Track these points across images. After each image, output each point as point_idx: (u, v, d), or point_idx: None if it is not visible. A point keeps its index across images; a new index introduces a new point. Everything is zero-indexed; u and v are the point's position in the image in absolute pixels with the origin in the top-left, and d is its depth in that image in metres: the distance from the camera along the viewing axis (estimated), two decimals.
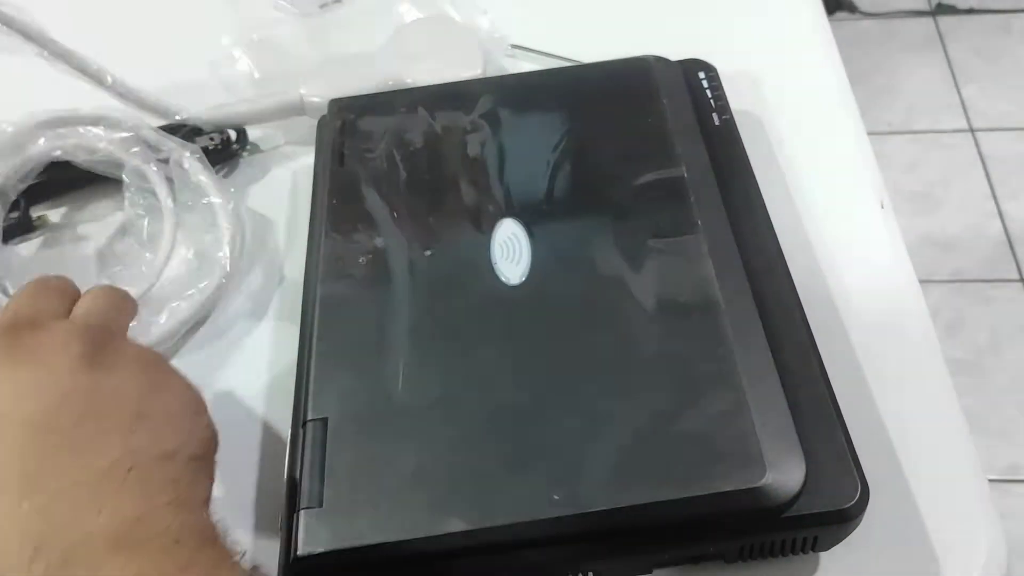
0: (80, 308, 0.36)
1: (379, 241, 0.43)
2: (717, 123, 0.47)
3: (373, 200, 0.45)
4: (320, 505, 0.34)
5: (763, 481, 0.33)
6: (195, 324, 0.46)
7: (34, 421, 0.30)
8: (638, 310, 0.38)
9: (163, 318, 0.45)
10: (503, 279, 0.40)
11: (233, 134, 0.53)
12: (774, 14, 0.58)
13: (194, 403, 0.34)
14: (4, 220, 0.49)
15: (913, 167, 1.50)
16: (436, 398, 0.37)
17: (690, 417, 0.35)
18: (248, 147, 0.54)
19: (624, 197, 0.43)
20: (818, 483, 0.33)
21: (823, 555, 0.36)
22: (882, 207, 0.47)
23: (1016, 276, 1.36)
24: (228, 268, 0.47)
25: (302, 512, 0.34)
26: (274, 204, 0.52)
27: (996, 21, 1.71)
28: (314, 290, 0.42)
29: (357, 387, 0.38)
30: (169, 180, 0.49)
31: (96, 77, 0.51)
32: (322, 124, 0.50)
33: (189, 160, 0.50)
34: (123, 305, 0.38)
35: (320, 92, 0.52)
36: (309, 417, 0.37)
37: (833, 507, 0.33)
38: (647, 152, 0.45)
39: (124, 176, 0.49)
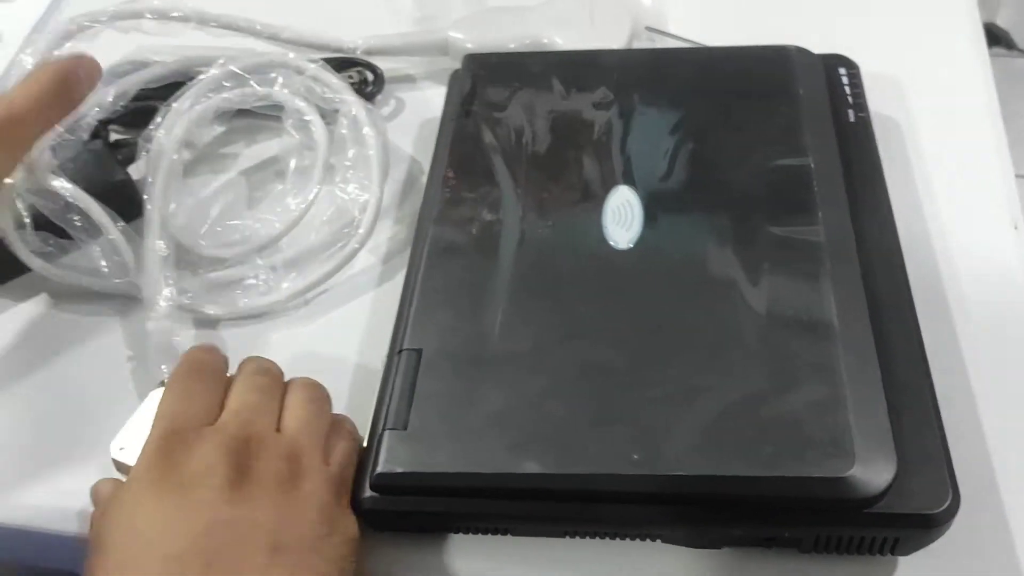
0: (232, 403, 0.35)
1: (494, 193, 0.43)
2: (852, 120, 0.46)
3: (493, 154, 0.45)
4: (404, 428, 0.35)
5: (850, 472, 0.32)
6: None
7: (176, 555, 0.30)
8: (745, 290, 0.38)
9: (294, 277, 0.46)
10: (611, 242, 0.40)
11: (371, 76, 0.55)
12: (930, 24, 0.56)
13: (329, 524, 0.33)
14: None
15: None
16: (530, 346, 0.37)
17: (784, 399, 0.34)
18: (383, 89, 0.55)
19: (746, 180, 0.43)
20: (908, 484, 0.32)
21: (902, 560, 0.34)
22: (1016, 228, 0.45)
23: None
24: (366, 232, 0.46)
25: (387, 432, 0.35)
26: (399, 146, 0.53)
27: None
28: (426, 230, 0.43)
29: (454, 325, 0.39)
30: (328, 127, 0.50)
31: (246, 29, 0.53)
32: (455, 77, 0.51)
33: (358, 109, 0.50)
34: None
35: (466, 36, 0.54)
36: (405, 346, 0.38)
37: (920, 510, 0.32)
38: (775, 139, 0.44)
39: (283, 116, 0.50)
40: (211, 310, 0.45)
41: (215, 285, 0.46)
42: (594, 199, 0.42)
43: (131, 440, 0.37)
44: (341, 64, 0.55)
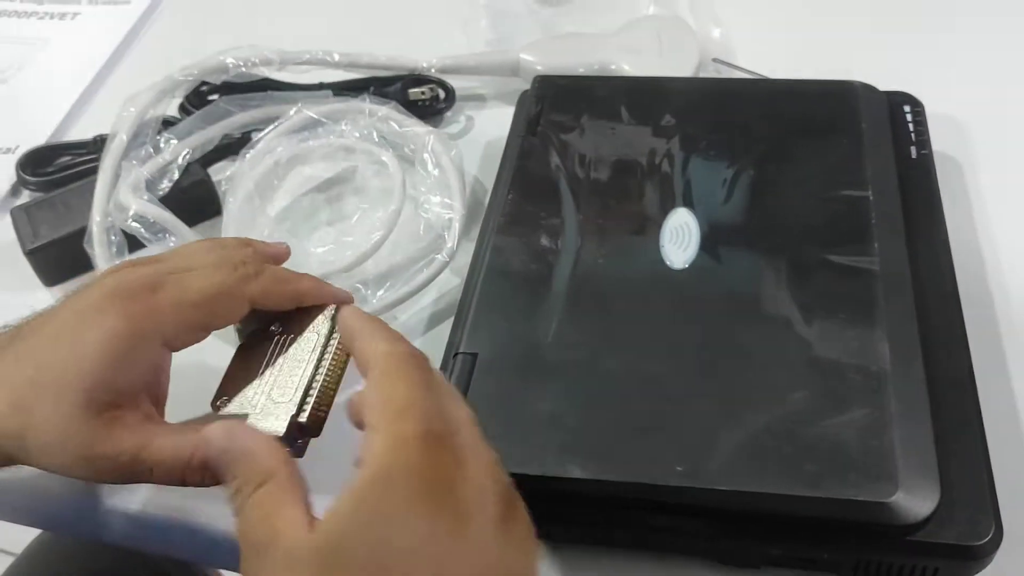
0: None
1: (555, 208, 0.45)
2: (914, 156, 0.47)
3: (556, 172, 0.47)
4: None
5: (892, 498, 0.32)
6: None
7: None
8: (797, 313, 0.38)
9: (383, 291, 0.47)
10: (667, 262, 0.41)
11: (442, 93, 0.57)
12: (997, 63, 0.56)
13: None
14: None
15: None
16: (581, 357, 0.38)
17: (831, 421, 0.35)
18: (453, 106, 0.57)
19: (805, 208, 0.43)
20: (951, 514, 0.33)
21: None
22: None
23: None
24: (453, 245, 0.48)
25: None
26: (467, 162, 0.54)
27: None
28: (488, 238, 0.44)
29: (510, 332, 0.40)
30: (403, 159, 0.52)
31: (325, 62, 0.56)
32: (523, 97, 0.53)
33: (433, 138, 0.52)
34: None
35: (536, 58, 0.56)
36: (461, 349, 0.39)
37: (962, 541, 0.32)
38: (836, 170, 0.45)
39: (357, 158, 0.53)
40: None
41: None
42: (653, 219, 0.43)
43: (234, 392, 0.35)
44: (415, 82, 0.57)
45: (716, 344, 0.38)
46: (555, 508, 0.35)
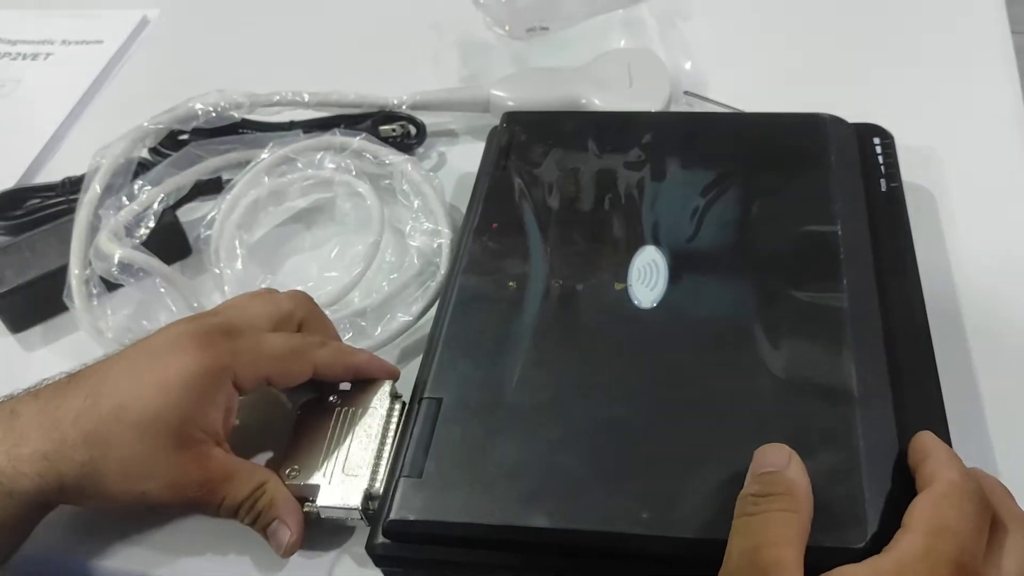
0: None
1: (523, 247, 0.44)
2: (884, 189, 0.46)
3: (524, 210, 0.46)
4: (420, 476, 0.36)
5: (862, 544, 0.32)
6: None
7: None
8: (765, 355, 0.38)
9: (384, 323, 0.47)
10: (635, 301, 0.41)
11: (413, 129, 0.57)
12: (969, 101, 0.56)
13: None
14: None
15: None
16: (547, 401, 0.38)
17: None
18: (424, 142, 0.57)
19: (773, 245, 0.43)
20: None
21: None
22: None
23: None
24: (443, 273, 0.48)
25: (402, 479, 0.36)
26: None
27: None
28: (455, 280, 0.43)
29: (476, 376, 0.39)
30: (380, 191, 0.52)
31: (295, 102, 0.55)
32: (493, 133, 0.52)
33: (410, 166, 0.52)
34: None
35: (507, 94, 0.56)
36: (426, 394, 0.39)
37: None
38: (804, 205, 0.44)
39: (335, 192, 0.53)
40: None
41: None
42: (621, 257, 0.43)
43: (304, 462, 0.38)
44: (385, 119, 0.57)
45: (683, 387, 0.38)
46: (522, 557, 0.34)
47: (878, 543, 0.31)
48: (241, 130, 0.55)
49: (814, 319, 0.39)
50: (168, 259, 0.50)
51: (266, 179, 0.52)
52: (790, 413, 0.36)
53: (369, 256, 0.49)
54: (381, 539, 0.35)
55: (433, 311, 0.45)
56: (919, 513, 0.31)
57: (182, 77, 0.64)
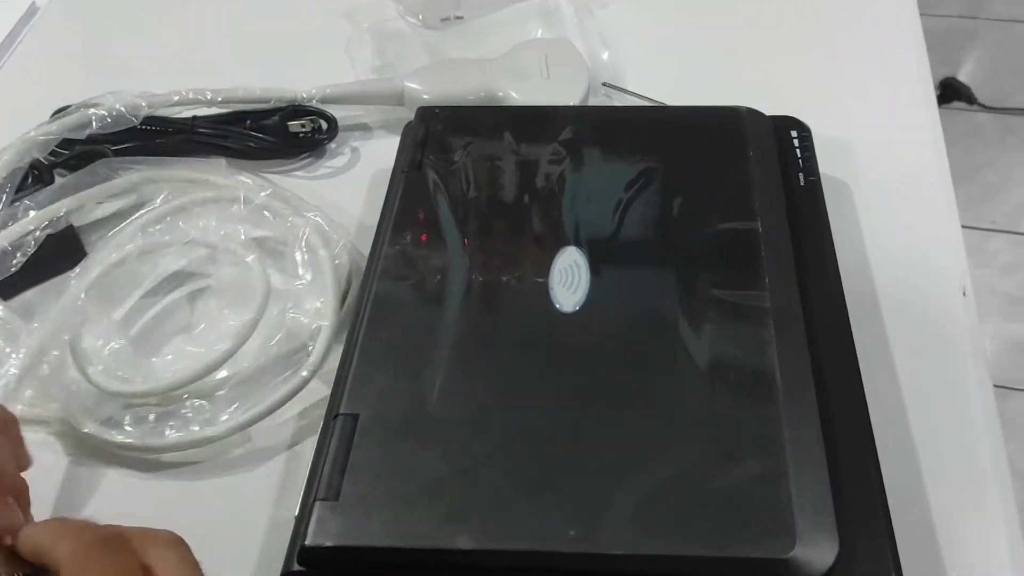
0: None
1: (440, 251, 0.43)
2: (802, 183, 0.46)
3: (441, 210, 0.45)
4: (336, 499, 0.34)
5: (790, 554, 0.31)
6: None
7: None
8: (689, 359, 0.37)
9: (232, 409, 0.42)
10: (556, 304, 0.40)
11: (324, 124, 0.54)
12: (882, 88, 0.56)
13: None
14: None
15: (1013, 270, 1.44)
16: (470, 413, 0.37)
17: (726, 475, 0.33)
18: (336, 137, 0.55)
19: (693, 243, 0.42)
20: (851, 566, 0.32)
21: None
22: (964, 294, 0.45)
23: None
24: (318, 359, 0.43)
25: (317, 503, 0.34)
26: (352, 196, 0.52)
27: None
28: (370, 287, 0.42)
29: (393, 389, 0.38)
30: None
31: (199, 100, 0.53)
32: (407, 130, 0.51)
33: (313, 232, 0.48)
34: None
35: (422, 86, 0.54)
36: (341, 411, 0.37)
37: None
38: (724, 201, 0.44)
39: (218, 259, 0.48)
40: (138, 439, 0.41)
41: (141, 418, 0.42)
42: (542, 259, 0.42)
43: None
44: (294, 113, 0.54)
45: (607, 395, 0.37)
46: None
47: (807, 551, 0.31)
48: (143, 126, 0.52)
49: (737, 320, 0.39)
50: (60, 268, 0.47)
51: (145, 234, 0.47)
52: (716, 419, 0.35)
53: (241, 336, 0.43)
54: (296, 567, 0.34)
55: (300, 396, 0.42)
56: None
57: (76, 67, 0.61)
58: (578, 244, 0.42)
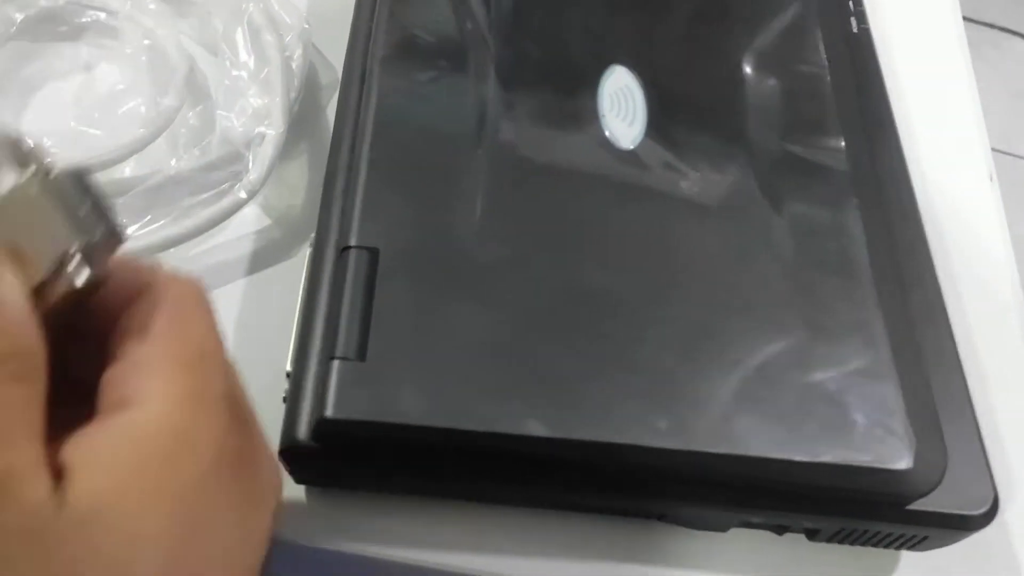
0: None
1: (464, 40, 0.33)
2: (855, 30, 0.40)
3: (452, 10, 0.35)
4: (362, 358, 0.26)
5: (906, 464, 0.27)
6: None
7: None
8: (770, 219, 0.32)
9: (142, 226, 0.33)
10: (611, 139, 0.32)
11: None
12: None
13: None
14: None
15: None
16: (521, 257, 0.29)
17: (825, 364, 0.29)
18: None
19: (759, 84, 0.36)
20: (953, 481, 0.28)
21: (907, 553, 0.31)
22: (991, 180, 0.42)
23: None
24: (259, 178, 0.34)
25: (337, 362, 0.26)
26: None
27: None
28: (372, 76, 0.32)
29: (419, 220, 0.29)
30: None
31: None
32: None
33: (253, 14, 0.37)
34: None
35: None
36: (354, 242, 0.28)
37: (962, 511, 0.28)
38: (790, 40, 0.37)
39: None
40: None
41: None
42: (586, 80, 0.34)
43: None
44: None
45: (679, 258, 0.30)
46: (506, 471, 0.27)
47: (920, 463, 0.27)
48: None
49: (819, 184, 0.33)
50: None
51: None
52: (806, 298, 0.30)
53: (156, 126, 0.34)
54: (308, 441, 0.26)
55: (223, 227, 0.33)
56: (154, 338, 0.20)
57: None
58: (627, 65, 0.34)
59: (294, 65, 0.37)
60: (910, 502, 0.28)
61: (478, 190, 0.30)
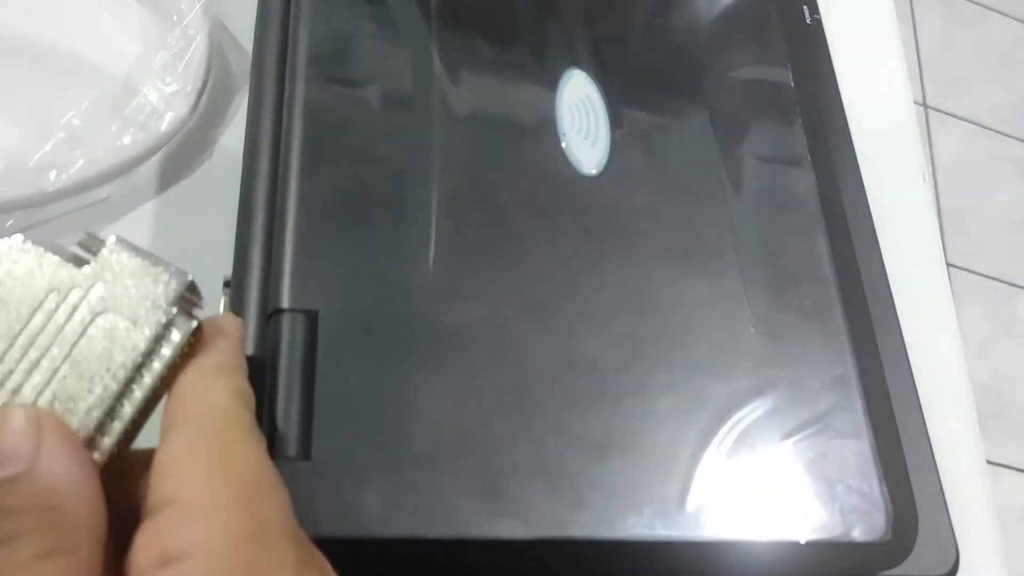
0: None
1: (390, 66, 0.29)
2: (808, 21, 0.38)
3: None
4: (306, 458, 0.22)
5: (882, 535, 0.26)
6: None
7: None
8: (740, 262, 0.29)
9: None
10: (574, 164, 0.29)
11: None
12: None
13: None
14: None
15: None
16: (483, 319, 0.25)
17: (800, 433, 0.27)
18: None
19: (724, 87, 0.33)
20: (922, 543, 0.28)
21: None
22: (924, 179, 0.41)
23: None
24: (170, 129, 0.29)
25: (281, 464, 0.22)
26: None
27: None
28: (295, 91, 0.27)
29: (363, 273, 0.25)
30: None
31: None
32: None
33: None
34: None
35: None
36: (285, 305, 0.24)
37: (929, 572, 0.28)
38: (749, 38, 0.34)
39: None
40: None
41: None
42: (543, 87, 0.30)
43: None
44: None
45: (656, 309, 0.27)
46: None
47: (896, 533, 0.26)
48: None
49: (790, 217, 0.31)
50: None
51: None
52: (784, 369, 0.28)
53: None
54: None
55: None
56: (191, 470, 0.18)
57: None
58: (585, 68, 0.30)
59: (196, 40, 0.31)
60: (881, 569, 0.27)
61: (429, 235, 0.26)
